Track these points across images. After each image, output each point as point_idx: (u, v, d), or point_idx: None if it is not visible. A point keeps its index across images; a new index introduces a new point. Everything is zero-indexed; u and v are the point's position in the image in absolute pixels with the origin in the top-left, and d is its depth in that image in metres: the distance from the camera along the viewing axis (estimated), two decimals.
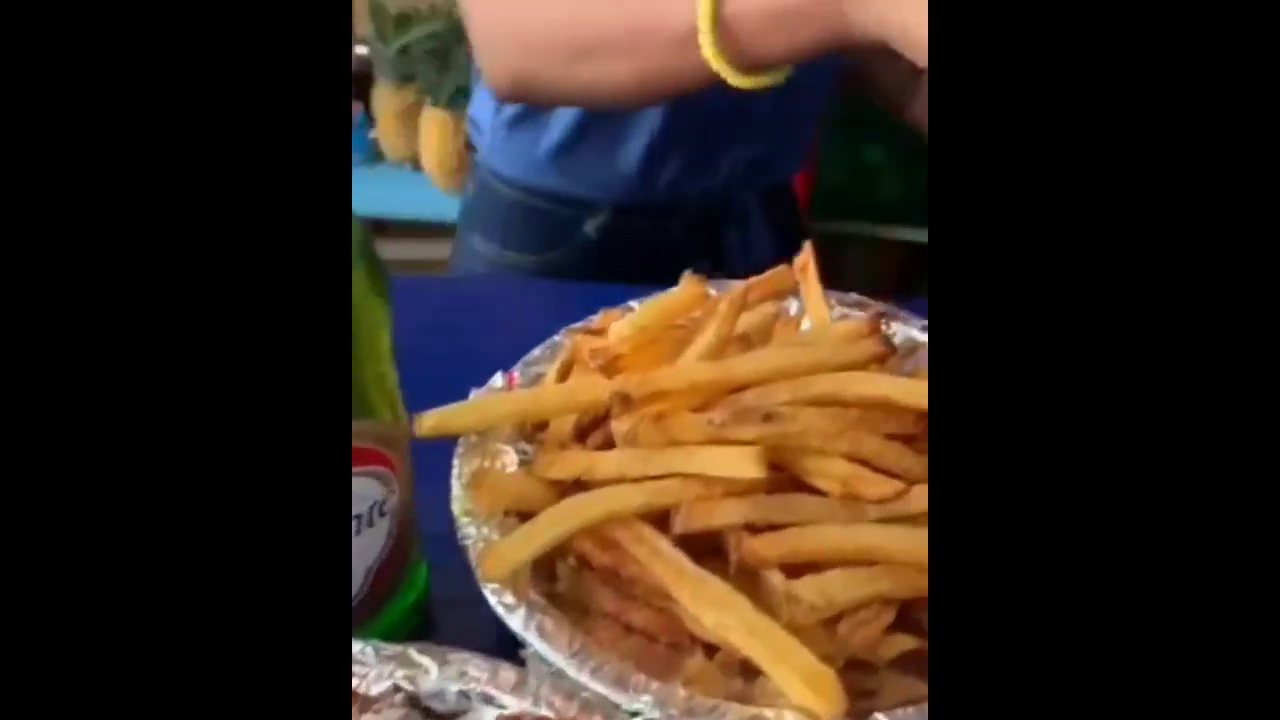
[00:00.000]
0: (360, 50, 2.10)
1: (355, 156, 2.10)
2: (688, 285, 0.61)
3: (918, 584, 0.48)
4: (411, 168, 2.08)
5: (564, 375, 0.58)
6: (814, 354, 0.53)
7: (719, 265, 0.90)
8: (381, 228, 2.18)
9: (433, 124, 1.97)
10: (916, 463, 0.51)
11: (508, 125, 0.91)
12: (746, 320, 0.59)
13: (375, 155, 2.12)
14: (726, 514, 0.48)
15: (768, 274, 0.63)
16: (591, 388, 0.53)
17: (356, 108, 2.07)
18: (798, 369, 0.53)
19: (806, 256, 0.61)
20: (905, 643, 0.47)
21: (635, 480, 0.49)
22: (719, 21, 0.54)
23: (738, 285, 0.59)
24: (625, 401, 0.50)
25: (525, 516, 0.50)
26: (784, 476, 0.50)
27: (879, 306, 0.63)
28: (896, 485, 0.47)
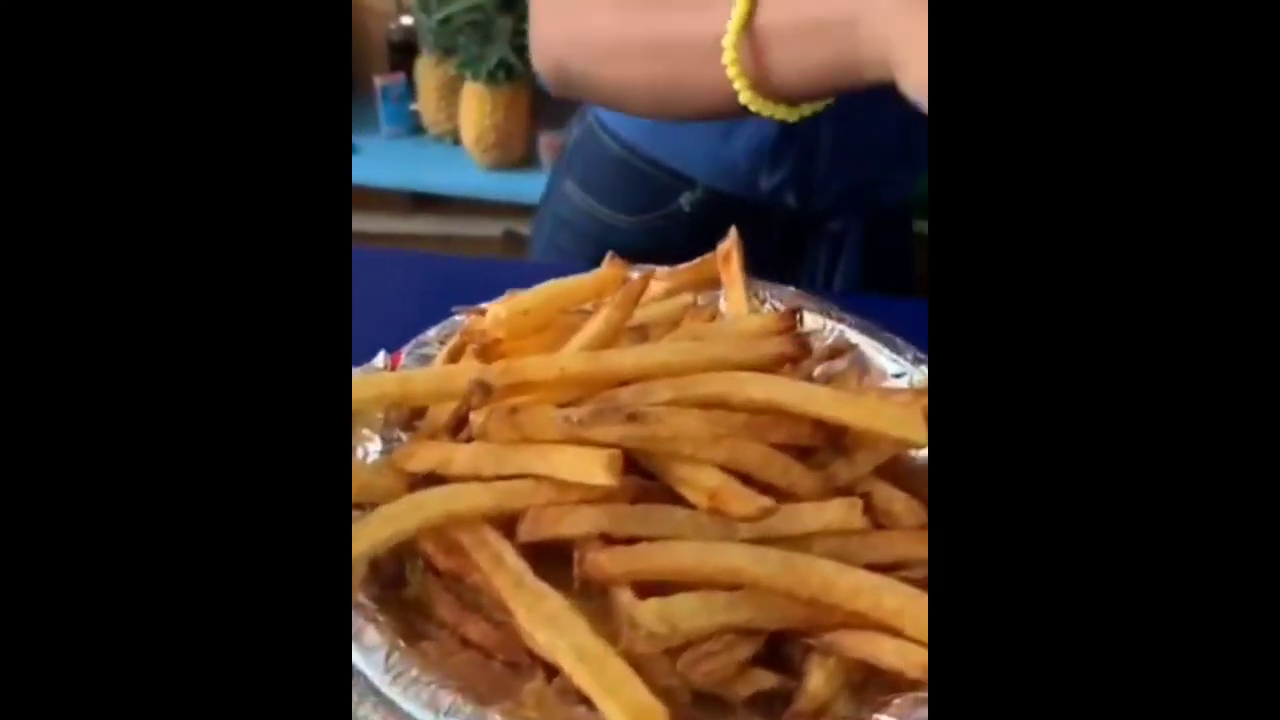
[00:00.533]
0: (406, 21, 2.08)
1: (397, 128, 2.08)
2: (606, 268, 0.57)
3: (790, 614, 0.43)
4: (452, 142, 2.05)
5: (454, 358, 0.54)
6: (710, 350, 0.48)
7: (794, 279, 0.85)
8: (422, 202, 2.17)
9: (472, 99, 1.93)
10: (804, 477, 0.45)
11: None
12: (656, 310, 0.55)
13: (417, 128, 2.09)
14: (576, 522, 0.43)
15: (693, 262, 0.58)
16: (465, 373, 0.48)
17: (399, 78, 2.05)
18: (690, 366, 0.47)
19: (729, 245, 0.55)
20: (764, 679, 0.42)
21: (489, 479, 0.45)
22: (745, 33, 0.53)
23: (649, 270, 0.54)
24: (484, 391, 0.45)
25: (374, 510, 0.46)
26: (656, 485, 0.45)
27: (811, 302, 0.58)
28: (763, 503, 0.42)
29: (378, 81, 2.04)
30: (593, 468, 0.42)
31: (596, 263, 0.57)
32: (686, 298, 0.56)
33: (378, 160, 2.03)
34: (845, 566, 0.42)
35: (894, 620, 0.42)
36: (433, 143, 2.08)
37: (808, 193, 0.84)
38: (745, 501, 0.42)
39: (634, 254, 0.58)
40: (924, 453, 0.51)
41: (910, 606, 0.42)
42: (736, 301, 0.54)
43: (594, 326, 0.49)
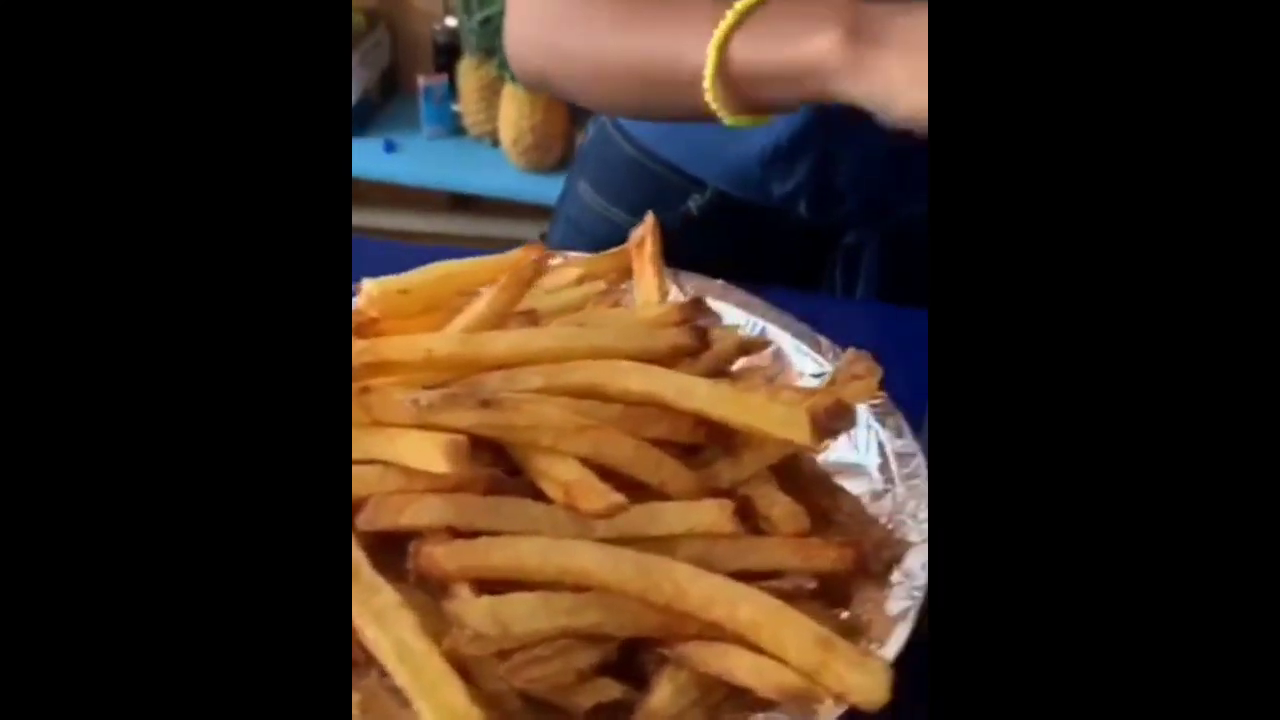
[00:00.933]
0: (451, 22, 2.08)
1: (438, 129, 2.08)
2: (519, 251, 0.54)
3: (643, 621, 0.40)
4: (492, 143, 2.04)
5: None
6: (595, 338, 0.45)
7: (814, 287, 0.83)
8: (460, 202, 2.16)
9: (511, 101, 1.92)
10: (677, 475, 0.42)
11: None
12: (562, 297, 0.52)
13: (458, 128, 2.09)
14: (419, 513, 0.40)
15: (611, 250, 0.55)
16: None
17: (442, 79, 2.05)
18: (572, 353, 0.45)
19: (644, 231, 0.52)
20: (607, 690, 0.39)
21: None
22: (722, 69, 0.57)
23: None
24: None
25: None
26: (520, 479, 0.42)
27: (735, 296, 0.55)
28: (614, 499, 0.39)
29: (420, 82, 2.04)
30: (433, 454, 0.39)
31: None
32: (597, 285, 0.53)
33: (418, 160, 2.03)
34: (701, 572, 0.39)
35: (750, 633, 0.38)
36: (473, 144, 2.08)
37: (822, 202, 0.81)
38: (597, 497, 0.39)
39: None
40: (833, 456, 0.48)
41: (768, 619, 0.38)
42: (646, 291, 0.51)
43: (477, 309, 0.46)
